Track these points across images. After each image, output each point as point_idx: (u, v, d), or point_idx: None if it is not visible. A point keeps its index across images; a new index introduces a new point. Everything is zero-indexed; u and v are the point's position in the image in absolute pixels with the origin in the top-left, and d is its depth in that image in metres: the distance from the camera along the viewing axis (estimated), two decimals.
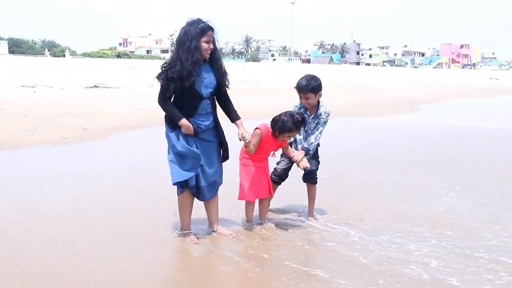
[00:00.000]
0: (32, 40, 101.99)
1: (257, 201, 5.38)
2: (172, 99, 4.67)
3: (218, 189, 5.02)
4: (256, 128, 5.08)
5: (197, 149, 4.69)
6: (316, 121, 5.38)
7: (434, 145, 11.30)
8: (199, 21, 4.60)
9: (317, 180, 5.65)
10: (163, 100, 4.66)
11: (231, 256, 4.60)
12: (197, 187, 4.82)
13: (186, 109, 4.63)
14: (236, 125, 4.88)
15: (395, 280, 4.16)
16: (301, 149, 5.35)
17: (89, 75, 27.15)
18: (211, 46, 4.63)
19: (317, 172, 5.62)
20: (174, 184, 4.77)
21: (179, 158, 4.68)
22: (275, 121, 5.04)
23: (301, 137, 5.41)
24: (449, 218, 5.84)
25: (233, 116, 4.89)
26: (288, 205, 6.10)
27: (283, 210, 5.98)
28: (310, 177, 5.59)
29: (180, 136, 4.66)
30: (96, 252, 4.63)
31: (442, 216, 5.94)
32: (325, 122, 5.41)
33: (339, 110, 15.04)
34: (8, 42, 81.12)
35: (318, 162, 5.59)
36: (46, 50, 79.92)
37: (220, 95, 4.85)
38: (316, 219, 5.67)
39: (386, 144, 11.26)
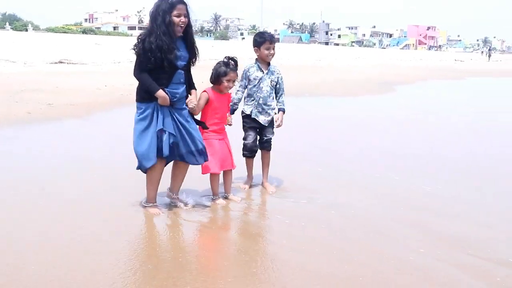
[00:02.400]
0: None
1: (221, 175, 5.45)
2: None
3: (203, 158, 5.02)
4: (203, 91, 5.19)
5: (175, 125, 4.77)
6: (270, 78, 5.60)
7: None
8: None
9: (271, 147, 5.85)
10: (139, 71, 4.67)
11: (196, 226, 4.74)
12: (179, 155, 4.89)
13: (161, 79, 4.66)
14: (190, 93, 4.98)
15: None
16: (279, 109, 5.68)
17: (54, 50, 26.57)
18: (183, 19, 4.66)
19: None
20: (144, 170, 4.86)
21: (143, 143, 4.72)
22: (210, 76, 5.21)
23: (264, 95, 5.59)
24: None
25: (190, 87, 4.99)
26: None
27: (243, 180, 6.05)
28: (267, 145, 5.79)
29: (157, 118, 4.69)
30: (61, 231, 4.64)
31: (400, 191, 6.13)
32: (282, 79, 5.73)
33: (321, 91, 15.13)
34: None
35: (274, 132, 5.80)
36: (7, 23, 77.60)
37: (187, 69, 4.93)
38: (268, 188, 5.84)
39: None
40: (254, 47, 5.58)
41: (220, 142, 5.31)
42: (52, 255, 3.96)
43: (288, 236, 4.55)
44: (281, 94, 5.75)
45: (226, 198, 5.47)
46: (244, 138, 5.71)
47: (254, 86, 5.57)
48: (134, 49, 4.67)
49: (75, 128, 9.33)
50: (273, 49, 5.57)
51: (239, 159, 5.70)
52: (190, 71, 5.00)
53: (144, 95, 4.72)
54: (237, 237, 4.61)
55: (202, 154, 4.98)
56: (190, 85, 5.00)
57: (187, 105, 4.93)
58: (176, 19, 4.61)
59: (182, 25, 4.67)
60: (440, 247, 4.39)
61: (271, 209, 5.40)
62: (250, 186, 5.89)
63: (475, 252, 4.32)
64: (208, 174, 5.33)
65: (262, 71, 5.58)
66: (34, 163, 6.80)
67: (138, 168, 4.90)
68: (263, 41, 5.51)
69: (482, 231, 4.88)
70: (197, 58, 4.94)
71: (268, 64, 5.64)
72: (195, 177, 5.43)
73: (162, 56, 4.54)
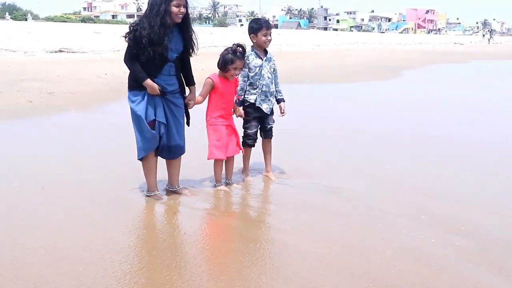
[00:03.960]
0: None
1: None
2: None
3: (180, 154, 5.10)
4: (207, 77, 5.20)
5: (165, 116, 4.79)
6: (269, 64, 5.62)
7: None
8: None
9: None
10: (129, 59, 4.67)
11: (200, 213, 4.78)
12: (161, 147, 4.92)
13: (150, 70, 4.66)
14: (190, 90, 5.02)
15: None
16: (281, 100, 5.75)
17: (54, 39, 26.51)
18: (182, 10, 4.64)
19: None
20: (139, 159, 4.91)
21: (142, 133, 4.77)
22: (218, 62, 5.21)
23: (267, 81, 5.57)
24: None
25: (189, 82, 5.01)
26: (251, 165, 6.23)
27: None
28: (270, 133, 5.81)
29: (147, 108, 4.71)
30: (66, 219, 4.71)
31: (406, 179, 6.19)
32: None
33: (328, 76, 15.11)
34: None
35: (274, 120, 5.82)
36: (7, 13, 77.22)
37: (183, 60, 4.92)
38: (272, 176, 5.86)
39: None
40: (250, 34, 5.54)
41: (227, 128, 5.34)
42: (56, 248, 4.02)
43: (292, 222, 4.59)
44: (278, 83, 5.77)
45: (228, 184, 5.52)
46: (247, 127, 5.67)
47: (256, 74, 5.53)
48: (125, 37, 4.67)
49: (76, 116, 9.37)
50: (270, 35, 5.56)
51: None
52: (188, 63, 4.98)
53: (133, 84, 4.73)
54: (241, 223, 4.65)
55: (178, 150, 5.01)
56: (188, 79, 5.00)
57: (187, 105, 4.98)
58: (175, 9, 4.58)
59: (181, 15, 4.65)
60: (439, 232, 4.42)
61: (274, 195, 5.45)
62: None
63: (479, 236, 4.34)
64: (211, 160, 5.38)
65: (261, 58, 5.56)
66: (36, 151, 6.85)
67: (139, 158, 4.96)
68: (259, 27, 5.48)
69: (490, 216, 4.86)
70: (195, 49, 4.93)
71: (265, 51, 5.62)
72: (196, 163, 5.47)
73: (152, 48, 4.53)
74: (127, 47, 4.68)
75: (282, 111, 5.76)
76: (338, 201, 5.15)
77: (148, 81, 4.63)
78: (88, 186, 5.45)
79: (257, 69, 5.52)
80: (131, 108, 4.78)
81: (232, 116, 5.44)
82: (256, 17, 5.57)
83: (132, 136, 4.89)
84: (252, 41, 5.56)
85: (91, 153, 6.80)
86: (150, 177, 5.03)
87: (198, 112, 5.32)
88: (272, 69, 5.65)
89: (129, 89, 4.80)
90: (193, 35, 4.86)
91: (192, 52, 4.91)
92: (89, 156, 6.66)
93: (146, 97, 4.71)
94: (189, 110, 5.06)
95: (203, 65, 5.18)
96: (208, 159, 5.34)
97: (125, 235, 4.22)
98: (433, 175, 6.11)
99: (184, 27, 4.77)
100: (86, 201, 4.98)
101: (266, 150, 5.90)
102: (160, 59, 4.64)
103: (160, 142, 4.88)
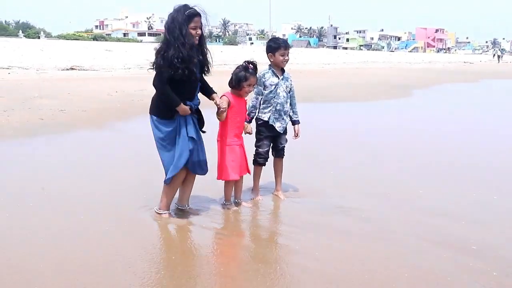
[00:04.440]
0: (5, 21, 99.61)
1: None
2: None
3: (207, 169, 5.10)
4: (222, 95, 5.18)
5: (196, 134, 4.85)
6: (286, 84, 5.60)
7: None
8: (185, 7, 4.63)
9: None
10: (162, 83, 4.64)
11: (211, 232, 4.75)
12: (192, 163, 4.90)
13: (187, 93, 4.73)
14: (213, 97, 5.03)
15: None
16: (296, 122, 5.74)
17: (65, 57, 26.81)
18: (199, 32, 4.70)
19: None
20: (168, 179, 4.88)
21: (172, 152, 4.78)
22: (230, 81, 5.20)
23: (281, 100, 5.55)
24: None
25: (210, 91, 5.05)
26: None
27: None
28: (283, 152, 5.78)
29: (181, 129, 4.75)
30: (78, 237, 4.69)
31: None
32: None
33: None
34: None
35: (287, 139, 5.79)
36: (20, 31, 78.23)
37: (200, 79, 4.97)
38: (281, 196, 5.81)
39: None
40: (268, 53, 5.55)
41: (240, 147, 5.31)
42: (65, 262, 4.01)
43: (302, 242, 4.55)
44: (295, 104, 5.75)
45: (237, 203, 5.49)
46: (259, 146, 5.64)
47: (271, 92, 5.51)
48: (153, 65, 4.70)
49: (86, 134, 9.40)
50: (288, 55, 5.56)
51: None
52: (203, 79, 5.03)
53: (167, 113, 4.73)
54: (251, 243, 4.62)
55: (206, 165, 5.05)
56: (208, 89, 5.04)
57: (220, 106, 4.97)
58: (192, 31, 4.64)
59: (197, 37, 4.71)
60: (452, 253, 4.36)
61: (284, 214, 5.39)
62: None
63: (492, 257, 4.28)
64: (219, 180, 5.35)
65: (278, 77, 5.55)
66: (46, 168, 6.86)
67: (164, 181, 4.92)
68: (277, 47, 5.48)
69: (497, 236, 4.82)
70: (210, 67, 4.98)
71: (282, 70, 5.61)
72: (204, 182, 5.45)
73: (185, 67, 4.56)
74: (158, 72, 4.65)
75: (296, 134, 5.74)
76: (349, 221, 5.10)
77: (182, 106, 4.68)
78: (97, 203, 5.43)
79: (273, 87, 5.51)
80: (159, 134, 4.79)
81: (242, 135, 5.42)
82: (275, 37, 5.57)
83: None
84: (270, 60, 5.57)
85: (100, 170, 6.80)
86: (170, 196, 5.02)
87: None
88: (288, 89, 5.63)
89: (158, 116, 4.77)
90: (208, 54, 4.93)
91: (207, 69, 4.96)
92: (99, 173, 6.66)
93: (178, 120, 4.75)
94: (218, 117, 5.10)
95: (214, 84, 5.18)
96: (222, 179, 5.30)
97: (134, 254, 4.19)
98: (446, 195, 6.05)
99: (200, 46, 4.82)
100: (95, 218, 4.96)
101: (277, 169, 5.86)
102: (191, 79, 4.70)
103: (192, 158, 4.88)
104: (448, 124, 12.07)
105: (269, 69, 5.57)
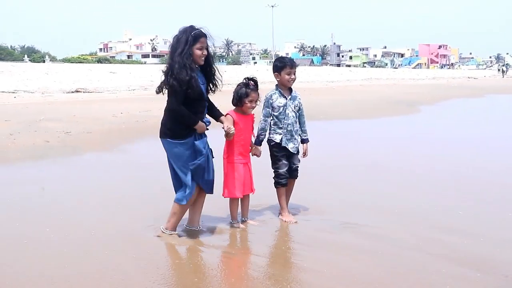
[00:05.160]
0: (11, 46, 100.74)
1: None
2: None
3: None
4: (226, 114, 5.20)
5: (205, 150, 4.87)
6: (294, 103, 5.56)
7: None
8: (191, 28, 4.69)
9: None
10: (178, 105, 4.65)
11: (219, 251, 4.72)
12: (203, 180, 4.93)
13: (200, 112, 4.79)
14: (221, 120, 5.07)
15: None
16: (305, 140, 5.69)
17: (70, 80, 26.99)
18: (205, 52, 4.74)
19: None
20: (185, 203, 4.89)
21: (186, 171, 4.79)
22: (232, 99, 5.23)
23: (291, 121, 5.53)
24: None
25: (217, 114, 5.08)
26: (263, 200, 6.16)
27: (260, 206, 6.05)
28: (296, 173, 5.73)
29: (195, 147, 4.77)
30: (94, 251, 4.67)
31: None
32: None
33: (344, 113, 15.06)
34: None
35: (300, 159, 5.75)
36: (26, 56, 79.04)
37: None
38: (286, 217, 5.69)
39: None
40: (274, 73, 5.52)
41: (244, 166, 5.31)
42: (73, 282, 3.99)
43: (311, 259, 4.51)
44: (304, 122, 5.69)
45: (244, 221, 5.47)
46: (278, 167, 5.57)
47: (280, 113, 5.49)
48: (161, 87, 4.75)
49: (92, 155, 9.41)
50: (294, 74, 5.51)
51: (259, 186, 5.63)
52: (209, 99, 5.05)
53: (181, 132, 4.73)
54: (260, 261, 4.56)
55: (212, 184, 5.06)
56: (216, 111, 5.07)
57: (228, 130, 5.01)
58: (198, 52, 4.68)
59: (203, 58, 4.75)
60: (461, 270, 4.32)
61: (292, 232, 5.33)
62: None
63: (500, 273, 4.23)
64: (226, 199, 5.35)
65: (285, 97, 5.50)
66: (53, 191, 6.87)
67: (179, 200, 4.90)
68: (283, 66, 5.44)
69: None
70: (219, 84, 5.00)
71: (290, 89, 5.57)
72: (210, 201, 5.43)
73: (189, 88, 4.60)
74: (172, 92, 4.65)
75: (304, 153, 5.70)
76: (357, 238, 5.06)
77: (200, 123, 4.74)
78: (103, 224, 5.42)
79: (281, 108, 5.48)
80: (175, 153, 4.79)
81: (249, 154, 5.41)
82: (281, 56, 5.57)
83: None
84: (276, 80, 5.54)
85: (106, 191, 6.79)
86: (179, 217, 5.00)
87: None
88: (297, 108, 5.59)
89: (171, 138, 4.76)
90: (216, 72, 4.97)
91: (214, 88, 5.00)
92: (104, 194, 6.65)
93: (195, 139, 4.76)
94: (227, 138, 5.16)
95: (219, 103, 5.20)
96: (226, 197, 5.31)
97: (141, 273, 4.17)
98: (456, 212, 5.99)
99: (206, 66, 4.87)
100: (101, 239, 4.95)
101: (288, 189, 5.76)
102: (200, 98, 4.77)
103: (206, 177, 4.92)
104: (456, 140, 12.03)
105: (276, 89, 5.54)
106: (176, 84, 4.57)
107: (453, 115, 18.26)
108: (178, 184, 4.91)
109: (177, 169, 4.83)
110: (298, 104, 5.62)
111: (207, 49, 4.77)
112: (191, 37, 4.62)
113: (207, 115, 5.01)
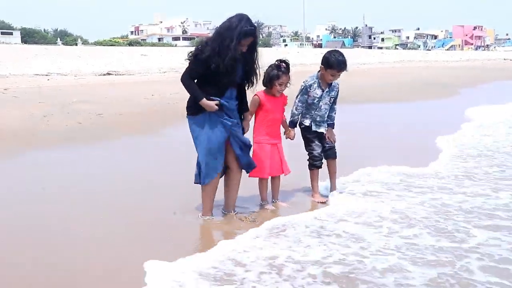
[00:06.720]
0: (44, 30, 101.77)
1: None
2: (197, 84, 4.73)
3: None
4: (254, 95, 5.17)
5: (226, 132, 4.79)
6: (330, 95, 5.52)
7: None
8: (247, 21, 4.65)
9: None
10: (188, 78, 4.70)
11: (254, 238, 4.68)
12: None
13: (214, 95, 4.69)
14: (244, 116, 5.04)
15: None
16: (330, 126, 5.62)
17: (102, 62, 27.23)
18: (246, 48, 4.73)
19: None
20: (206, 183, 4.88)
21: (210, 155, 4.78)
22: (263, 79, 5.18)
23: (322, 113, 5.53)
24: None
25: (243, 108, 5.03)
26: (295, 183, 6.10)
27: (291, 187, 6.00)
28: (332, 153, 5.67)
29: (213, 129, 4.74)
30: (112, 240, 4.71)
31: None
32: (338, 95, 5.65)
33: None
34: (20, 32, 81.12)
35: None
36: (59, 39, 80.00)
37: (241, 86, 4.96)
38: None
39: None
40: (321, 64, 5.45)
41: (272, 147, 5.28)
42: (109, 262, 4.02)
43: (342, 238, 4.48)
44: (334, 110, 5.68)
45: (274, 203, 5.45)
46: (312, 149, 5.59)
47: (313, 104, 5.50)
48: (190, 56, 4.71)
49: (124, 137, 9.49)
50: (338, 76, 5.46)
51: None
52: (244, 90, 5.00)
53: (193, 108, 4.77)
54: (289, 243, 4.50)
55: (248, 149, 4.98)
56: (243, 105, 5.02)
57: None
58: (242, 47, 4.67)
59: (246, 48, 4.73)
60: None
61: (326, 213, 5.23)
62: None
63: None
64: (256, 180, 5.34)
65: (322, 89, 5.49)
66: (86, 172, 6.96)
67: (198, 182, 4.94)
68: (331, 66, 5.35)
69: None
70: (253, 83, 4.96)
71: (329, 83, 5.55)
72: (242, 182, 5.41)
73: (219, 77, 4.60)
74: (189, 67, 4.71)
75: (328, 137, 5.63)
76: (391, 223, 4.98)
77: (204, 101, 4.65)
78: (137, 207, 5.47)
79: (316, 100, 5.48)
80: (197, 133, 4.80)
81: (280, 136, 5.36)
82: (335, 49, 5.49)
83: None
84: (320, 71, 5.49)
85: (139, 174, 6.85)
86: (209, 200, 5.00)
87: None
88: (332, 99, 5.58)
89: (191, 115, 4.81)
90: (257, 69, 4.92)
91: (250, 84, 4.96)
92: (137, 177, 6.71)
93: (208, 117, 4.73)
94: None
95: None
96: (251, 176, 5.29)
97: (177, 257, 4.14)
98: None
99: (248, 57, 4.82)
100: (136, 223, 5.00)
101: (331, 170, 5.77)
102: (221, 84, 4.70)
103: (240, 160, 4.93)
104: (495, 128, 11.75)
105: (316, 78, 5.50)
106: (194, 66, 4.63)
107: (500, 99, 16.87)
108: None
109: (195, 147, 4.86)
110: (335, 94, 5.59)
111: (254, 45, 4.77)
112: (242, 31, 4.58)
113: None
